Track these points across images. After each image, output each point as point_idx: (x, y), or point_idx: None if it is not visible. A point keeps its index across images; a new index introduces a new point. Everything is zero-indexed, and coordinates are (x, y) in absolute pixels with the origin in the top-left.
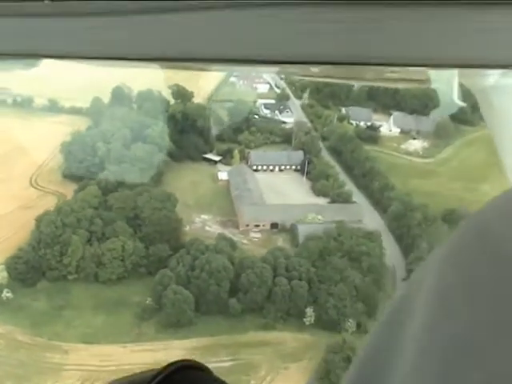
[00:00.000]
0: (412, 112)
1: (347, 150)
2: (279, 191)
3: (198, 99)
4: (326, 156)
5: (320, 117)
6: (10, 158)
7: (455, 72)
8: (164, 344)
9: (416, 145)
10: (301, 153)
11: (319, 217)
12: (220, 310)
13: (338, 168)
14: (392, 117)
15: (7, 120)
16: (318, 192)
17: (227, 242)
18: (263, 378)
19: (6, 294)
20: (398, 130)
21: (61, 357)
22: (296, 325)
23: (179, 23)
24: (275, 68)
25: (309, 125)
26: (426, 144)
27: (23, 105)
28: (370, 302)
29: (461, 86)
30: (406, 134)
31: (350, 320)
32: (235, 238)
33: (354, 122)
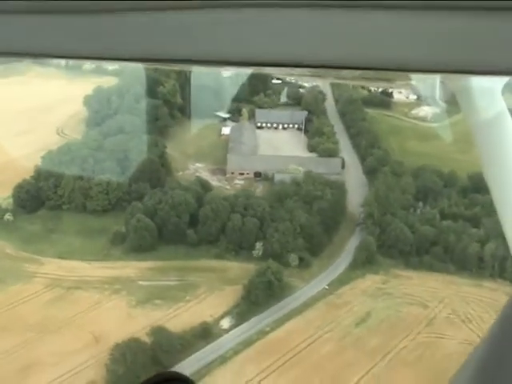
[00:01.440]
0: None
1: (349, 112)
2: (276, 146)
3: None
4: (330, 117)
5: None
6: (49, 112)
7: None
8: (123, 264)
9: (427, 110)
10: (304, 113)
11: (300, 168)
12: (180, 240)
13: (337, 127)
14: (411, 83)
15: (58, 81)
16: (310, 148)
17: (201, 183)
18: (198, 296)
19: (8, 216)
20: (415, 97)
21: (36, 267)
22: (245, 256)
23: (165, 23)
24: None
25: (320, 89)
26: (437, 110)
27: (74, 68)
28: (312, 241)
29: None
30: (422, 99)
31: (292, 255)
32: (216, 183)
33: (372, 89)
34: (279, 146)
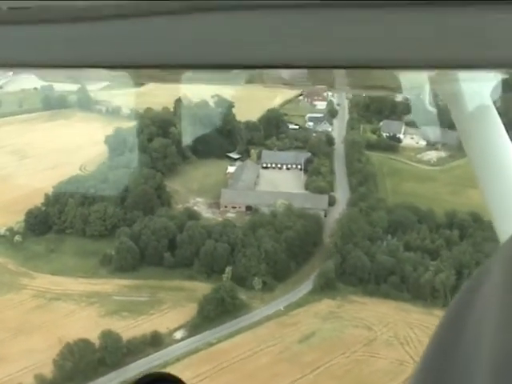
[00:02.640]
0: (447, 127)
1: (350, 153)
2: (275, 184)
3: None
4: (337, 159)
5: (353, 128)
6: (79, 150)
7: (426, 78)
8: (105, 281)
9: (432, 155)
10: (307, 154)
11: (286, 202)
12: (158, 262)
13: (340, 168)
14: (421, 130)
15: (96, 124)
16: (306, 186)
17: (188, 213)
18: (162, 310)
19: (17, 238)
20: (425, 143)
21: (28, 280)
22: (215, 279)
23: (153, 27)
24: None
25: (330, 133)
26: (443, 154)
27: (113, 113)
28: (276, 267)
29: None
30: (431, 146)
31: (256, 278)
32: (209, 215)
33: (384, 134)
34: (279, 184)
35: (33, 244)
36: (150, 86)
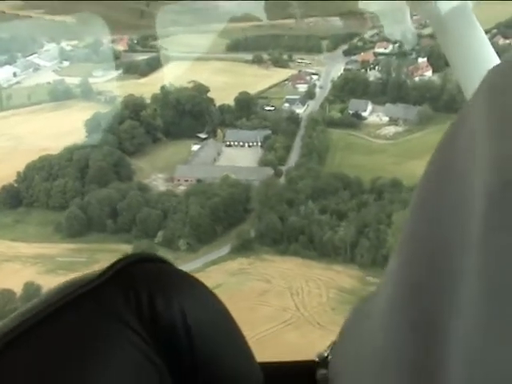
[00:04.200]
0: (415, 103)
1: (308, 131)
2: (233, 159)
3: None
4: (296, 137)
5: (324, 108)
6: (69, 135)
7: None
8: (53, 245)
9: (390, 129)
10: (267, 132)
11: (233, 176)
12: (103, 228)
13: (295, 144)
14: (384, 107)
15: (92, 111)
16: (260, 161)
17: (138, 185)
18: (93, 269)
19: None
20: (387, 119)
21: None
22: (147, 242)
23: None
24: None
25: (296, 113)
26: (400, 129)
27: (110, 102)
28: (200, 230)
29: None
30: (394, 121)
31: (182, 240)
32: (163, 188)
33: (351, 112)
34: (236, 159)
35: (2, 216)
36: (151, 78)
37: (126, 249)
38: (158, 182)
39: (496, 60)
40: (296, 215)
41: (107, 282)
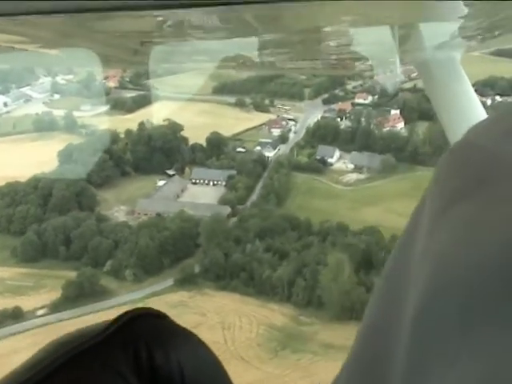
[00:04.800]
0: (380, 152)
1: (272, 174)
2: (195, 196)
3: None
4: (262, 178)
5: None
6: (43, 165)
7: (395, 50)
8: (7, 269)
9: (352, 177)
10: (233, 172)
11: (191, 212)
12: (55, 255)
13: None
14: (350, 155)
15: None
16: (220, 199)
17: (96, 215)
18: (39, 293)
19: None
20: (352, 166)
21: None
22: (91, 270)
23: None
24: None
25: (264, 156)
26: (362, 177)
27: (90, 135)
28: (147, 261)
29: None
30: (358, 169)
31: (128, 270)
32: (123, 219)
33: (318, 157)
34: (199, 196)
35: None
36: (136, 114)
37: (72, 276)
38: (120, 214)
39: (481, 111)
40: (241, 252)
41: (109, 337)
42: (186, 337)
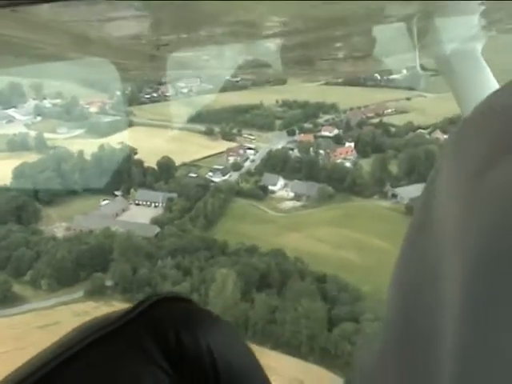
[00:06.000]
0: (323, 182)
1: (210, 198)
2: (133, 216)
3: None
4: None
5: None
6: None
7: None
8: None
9: (288, 204)
10: (174, 195)
11: (121, 230)
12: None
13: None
14: (292, 183)
15: None
16: (151, 219)
17: (32, 230)
18: None
19: None
20: (293, 194)
21: None
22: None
23: None
24: None
25: (204, 180)
26: (298, 204)
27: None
28: (61, 272)
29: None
30: (298, 197)
31: (43, 280)
32: (61, 235)
33: (262, 184)
34: (136, 216)
35: None
36: (108, 139)
37: None
38: (59, 229)
39: None
40: (149, 268)
41: (133, 320)
42: (214, 320)
